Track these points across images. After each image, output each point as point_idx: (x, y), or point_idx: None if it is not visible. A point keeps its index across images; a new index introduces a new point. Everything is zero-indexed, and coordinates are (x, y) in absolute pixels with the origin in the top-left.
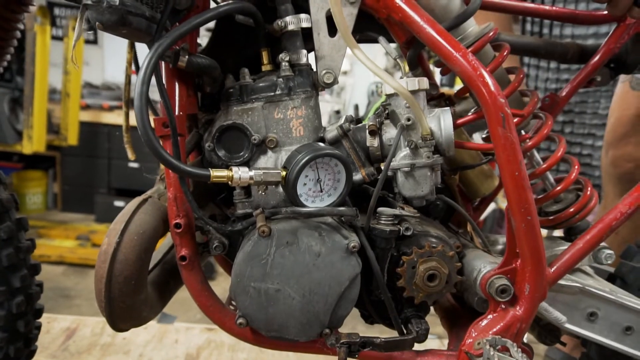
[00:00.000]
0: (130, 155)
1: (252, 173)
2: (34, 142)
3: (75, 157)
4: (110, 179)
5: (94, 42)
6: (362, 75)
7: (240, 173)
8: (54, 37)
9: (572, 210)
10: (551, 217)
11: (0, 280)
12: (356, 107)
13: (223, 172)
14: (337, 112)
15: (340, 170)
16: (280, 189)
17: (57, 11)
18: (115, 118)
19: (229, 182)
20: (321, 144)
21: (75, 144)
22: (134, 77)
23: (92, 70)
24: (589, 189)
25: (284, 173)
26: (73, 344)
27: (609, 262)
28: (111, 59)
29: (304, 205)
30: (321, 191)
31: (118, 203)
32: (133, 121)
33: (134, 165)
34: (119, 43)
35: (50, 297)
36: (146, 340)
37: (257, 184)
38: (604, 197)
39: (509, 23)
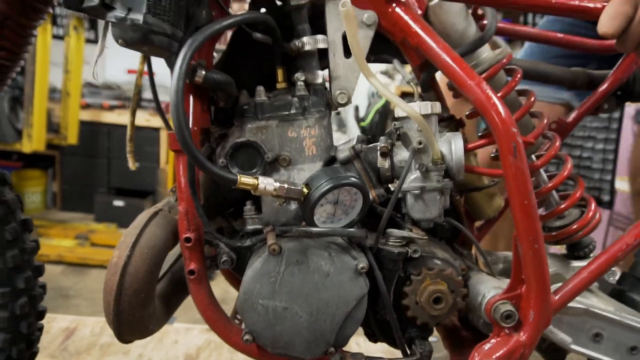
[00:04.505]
0: (131, 165)
1: (276, 185)
2: (33, 141)
3: (74, 156)
4: (109, 179)
5: (95, 41)
6: (362, 77)
7: (266, 183)
8: (54, 36)
9: (575, 226)
10: (554, 233)
11: (5, 282)
12: (356, 109)
13: (249, 180)
14: (337, 113)
15: (357, 199)
16: (293, 206)
17: (58, 10)
18: (115, 117)
19: (252, 191)
20: (348, 173)
21: (75, 143)
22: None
23: (92, 70)
24: (593, 206)
25: (306, 191)
26: (72, 344)
27: (611, 278)
28: (112, 58)
29: (316, 225)
30: (334, 215)
31: (117, 202)
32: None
33: None
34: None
35: (48, 296)
36: (146, 341)
37: (277, 197)
38: (634, 215)
39: None
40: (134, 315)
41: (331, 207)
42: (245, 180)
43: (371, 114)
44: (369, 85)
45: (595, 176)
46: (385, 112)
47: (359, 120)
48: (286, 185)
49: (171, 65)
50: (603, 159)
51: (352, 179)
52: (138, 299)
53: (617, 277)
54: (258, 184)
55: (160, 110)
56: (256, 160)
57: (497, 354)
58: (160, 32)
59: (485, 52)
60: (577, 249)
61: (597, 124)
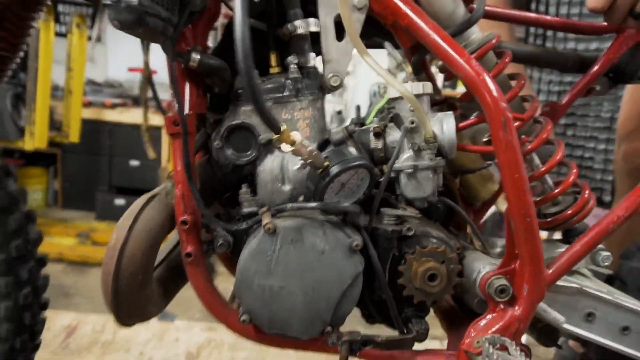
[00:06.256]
0: (151, 154)
1: (309, 147)
2: (35, 139)
3: (76, 154)
4: (111, 177)
5: (98, 39)
6: (364, 76)
7: (301, 140)
8: (57, 34)
9: (570, 212)
10: (549, 219)
11: (9, 271)
12: (358, 108)
13: (290, 133)
14: (339, 112)
15: (364, 180)
16: (287, 187)
17: (60, 8)
18: (117, 116)
19: (289, 144)
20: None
21: (77, 141)
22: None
23: (95, 68)
24: (587, 191)
25: (326, 164)
26: (73, 341)
27: (606, 263)
28: (114, 56)
29: (322, 200)
30: (337, 194)
31: (119, 201)
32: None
33: (135, 163)
34: (122, 41)
35: (49, 294)
36: (147, 339)
37: (305, 160)
38: (617, 192)
39: (511, 34)
40: (132, 296)
41: (338, 186)
42: (286, 131)
43: (372, 113)
44: (371, 84)
45: (597, 176)
46: None
47: (361, 124)
48: (315, 151)
49: (166, 49)
50: (604, 159)
51: (364, 162)
52: (135, 280)
53: (611, 261)
54: (295, 139)
55: (160, 108)
56: (250, 142)
57: (493, 329)
58: (154, 14)
59: (475, 34)
60: (572, 235)
61: (599, 124)
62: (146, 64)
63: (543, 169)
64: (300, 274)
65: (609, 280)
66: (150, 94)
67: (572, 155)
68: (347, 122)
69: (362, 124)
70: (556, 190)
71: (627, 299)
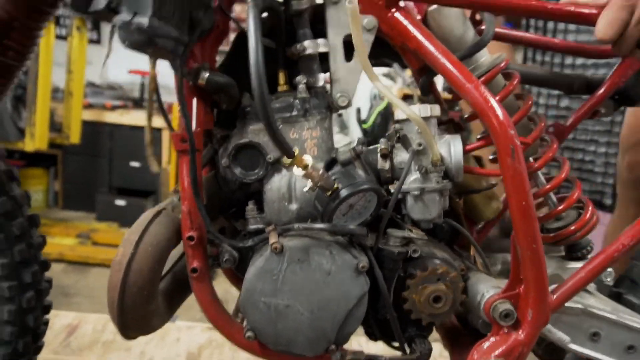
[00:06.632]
0: (155, 167)
1: (320, 171)
2: (36, 140)
3: (76, 155)
4: (111, 178)
5: (97, 41)
6: (364, 80)
7: (312, 164)
8: (57, 37)
9: (573, 228)
10: (552, 235)
11: (12, 275)
12: (358, 111)
13: (302, 157)
14: (339, 115)
15: (371, 202)
16: (294, 206)
17: (61, 11)
18: (117, 117)
19: (301, 168)
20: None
21: (77, 143)
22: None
23: (95, 70)
24: (590, 207)
25: (335, 186)
26: (74, 340)
27: (608, 279)
28: (114, 59)
29: (331, 221)
30: (344, 215)
31: (119, 202)
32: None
33: (135, 164)
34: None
35: (50, 294)
36: (147, 338)
37: (314, 183)
38: (618, 200)
39: (511, 52)
40: (138, 311)
41: (347, 208)
42: (299, 156)
43: (373, 116)
44: (371, 87)
45: (597, 180)
46: (387, 114)
47: (360, 122)
48: (326, 175)
49: (175, 67)
50: (605, 162)
51: (374, 187)
52: (142, 295)
53: (613, 277)
54: (308, 163)
55: (163, 111)
56: (258, 161)
57: (496, 352)
58: (164, 35)
59: (483, 57)
60: (575, 250)
61: (599, 127)
62: (152, 77)
63: (548, 186)
64: (306, 294)
65: (613, 296)
66: (154, 99)
67: (573, 159)
68: (354, 142)
69: (369, 143)
70: (560, 207)
71: (632, 318)
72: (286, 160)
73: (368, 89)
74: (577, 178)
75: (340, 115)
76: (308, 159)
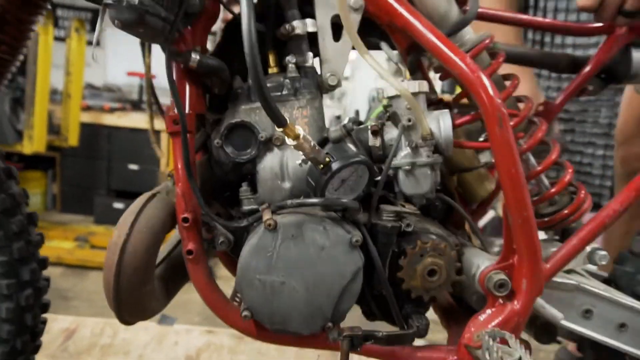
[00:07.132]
0: (159, 153)
1: (312, 143)
2: (34, 143)
3: (75, 158)
4: (109, 181)
5: (97, 43)
6: (363, 81)
7: (304, 135)
8: (56, 38)
9: (566, 212)
10: (546, 219)
11: (11, 273)
12: (357, 113)
13: (294, 127)
14: (338, 117)
15: (363, 177)
16: (287, 185)
17: (59, 12)
18: (115, 120)
19: (292, 138)
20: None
21: (75, 145)
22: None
23: (93, 72)
24: (583, 192)
25: (328, 159)
26: (72, 344)
27: (603, 262)
28: (112, 61)
29: (323, 196)
30: (336, 190)
31: (117, 205)
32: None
33: (134, 167)
34: (121, 45)
35: (48, 297)
36: (146, 342)
37: (307, 155)
38: (618, 188)
39: (518, 38)
40: (133, 293)
41: (339, 182)
42: (291, 125)
43: (372, 117)
44: (370, 89)
45: (595, 182)
46: None
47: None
48: (317, 147)
49: (164, 48)
50: (603, 165)
51: (363, 159)
52: (137, 277)
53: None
54: (300, 133)
55: (162, 113)
56: (250, 140)
57: (493, 323)
58: (155, 13)
59: (468, 34)
60: (569, 235)
61: (597, 130)
62: (148, 66)
63: (539, 168)
64: (300, 270)
65: (605, 282)
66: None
67: (571, 161)
68: (345, 121)
69: (360, 123)
70: (552, 190)
71: (624, 297)
72: (279, 130)
73: (367, 91)
74: (567, 161)
75: (339, 117)
76: (300, 129)
